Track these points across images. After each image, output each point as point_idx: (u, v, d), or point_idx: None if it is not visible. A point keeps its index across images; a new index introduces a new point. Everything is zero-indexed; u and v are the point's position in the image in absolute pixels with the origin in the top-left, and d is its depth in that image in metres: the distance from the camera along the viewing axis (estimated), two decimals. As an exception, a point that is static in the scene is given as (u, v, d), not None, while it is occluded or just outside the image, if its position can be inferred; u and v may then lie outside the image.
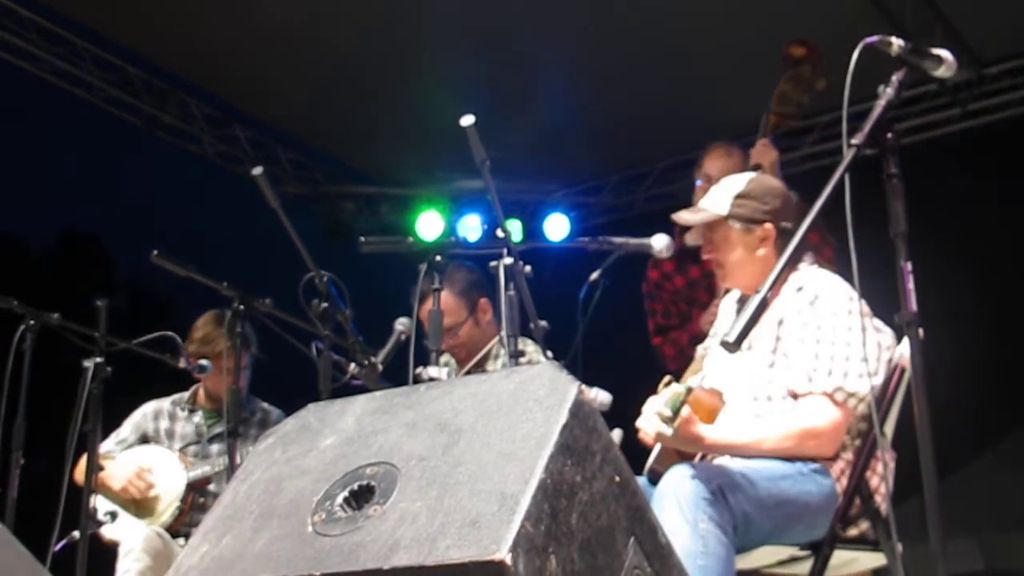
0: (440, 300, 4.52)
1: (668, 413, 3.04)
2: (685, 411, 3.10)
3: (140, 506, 5.09)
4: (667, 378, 3.18)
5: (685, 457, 3.41)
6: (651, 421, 3.17)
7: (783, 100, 5.06)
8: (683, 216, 3.80)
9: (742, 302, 3.82)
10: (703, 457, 3.47)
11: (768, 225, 3.64)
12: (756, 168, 4.85)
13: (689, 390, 3.08)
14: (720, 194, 3.73)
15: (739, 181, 3.76)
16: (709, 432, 3.26)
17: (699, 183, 5.14)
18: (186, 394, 5.49)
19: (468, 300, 4.80)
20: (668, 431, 3.07)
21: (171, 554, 4.71)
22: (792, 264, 3.27)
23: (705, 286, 5.07)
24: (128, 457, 5.23)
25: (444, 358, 4.87)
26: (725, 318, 3.94)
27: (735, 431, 3.35)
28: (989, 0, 6.95)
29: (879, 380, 3.41)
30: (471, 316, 4.81)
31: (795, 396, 3.43)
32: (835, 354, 3.36)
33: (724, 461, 3.43)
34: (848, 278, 3.33)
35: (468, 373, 4.80)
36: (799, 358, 3.42)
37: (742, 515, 3.10)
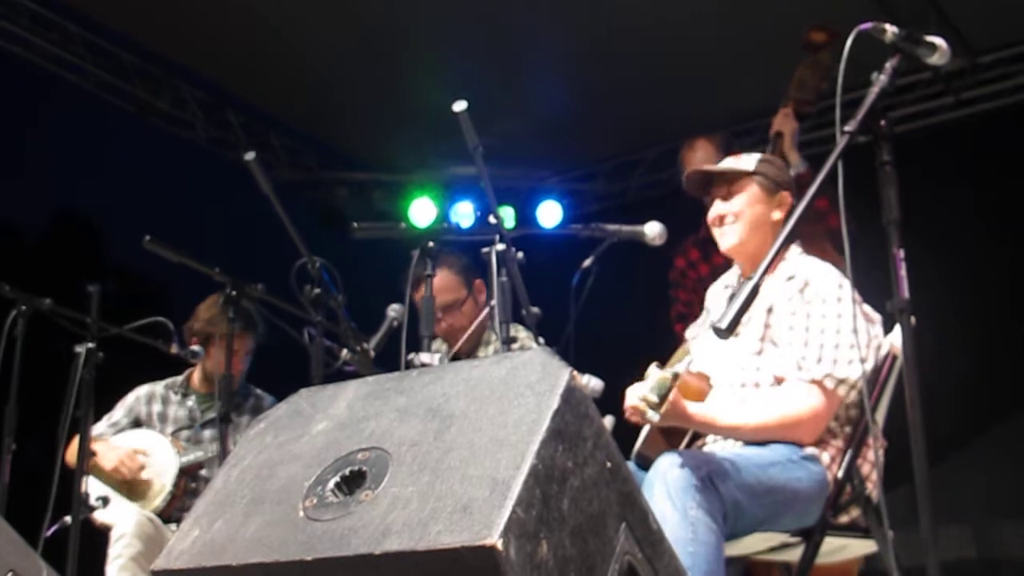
0: (439, 279, 4.56)
1: (654, 399, 3.06)
2: (671, 396, 3.12)
3: (132, 489, 5.09)
4: (653, 365, 3.19)
5: (672, 442, 3.42)
6: (636, 406, 3.18)
7: (801, 86, 5.00)
8: (708, 166, 3.83)
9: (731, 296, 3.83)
10: (690, 444, 3.48)
11: (786, 193, 3.69)
12: (778, 136, 4.86)
13: (676, 376, 3.08)
14: (743, 159, 3.78)
15: (759, 155, 3.83)
16: (695, 411, 3.28)
17: None
18: (180, 378, 5.50)
19: (466, 279, 4.82)
20: (655, 417, 3.08)
21: (163, 539, 4.71)
22: (784, 247, 3.28)
23: None
24: (120, 440, 5.23)
25: (436, 344, 4.88)
26: (715, 306, 3.95)
27: (719, 414, 3.36)
28: (983, -12, 6.97)
29: (869, 366, 3.42)
30: (470, 295, 4.83)
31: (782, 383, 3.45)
32: (825, 342, 3.37)
33: (714, 448, 3.44)
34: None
35: (456, 358, 4.80)
36: (789, 346, 3.43)
37: (732, 502, 3.10)
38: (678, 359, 3.87)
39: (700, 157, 5.18)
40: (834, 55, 4.96)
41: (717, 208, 3.74)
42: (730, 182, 3.74)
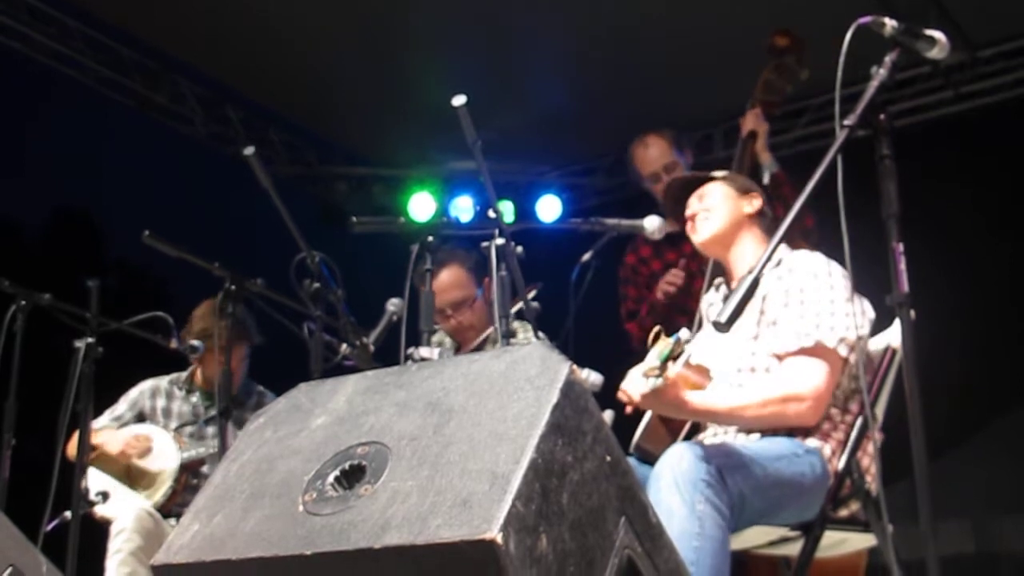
0: (450, 276, 4.56)
1: (656, 363, 3.02)
2: (672, 370, 3.09)
3: (134, 479, 5.09)
4: (656, 328, 3.15)
5: (672, 434, 3.41)
6: (637, 383, 3.16)
7: (769, 88, 5.09)
8: (682, 174, 3.89)
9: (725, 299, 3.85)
10: (689, 435, 3.48)
11: (756, 193, 3.79)
12: (751, 136, 4.89)
13: (678, 341, 3.05)
14: (712, 173, 3.87)
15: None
16: (693, 397, 3.27)
17: (650, 184, 5.22)
18: (184, 374, 5.50)
19: (477, 277, 4.82)
20: (657, 382, 3.05)
21: (163, 534, 4.72)
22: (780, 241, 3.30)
23: (681, 270, 5.08)
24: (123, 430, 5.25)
25: (436, 337, 4.87)
26: (711, 307, 3.96)
27: (718, 397, 3.36)
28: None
29: (865, 331, 3.43)
30: (480, 294, 4.83)
31: (782, 360, 3.45)
32: (820, 310, 3.40)
33: (722, 439, 3.44)
34: (830, 248, 3.38)
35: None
36: (786, 321, 3.44)
37: (738, 495, 3.10)
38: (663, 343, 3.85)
39: (653, 153, 5.22)
40: (797, 59, 5.04)
41: (691, 208, 3.81)
42: (702, 185, 3.83)
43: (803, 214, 4.19)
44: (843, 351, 3.39)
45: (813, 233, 4.29)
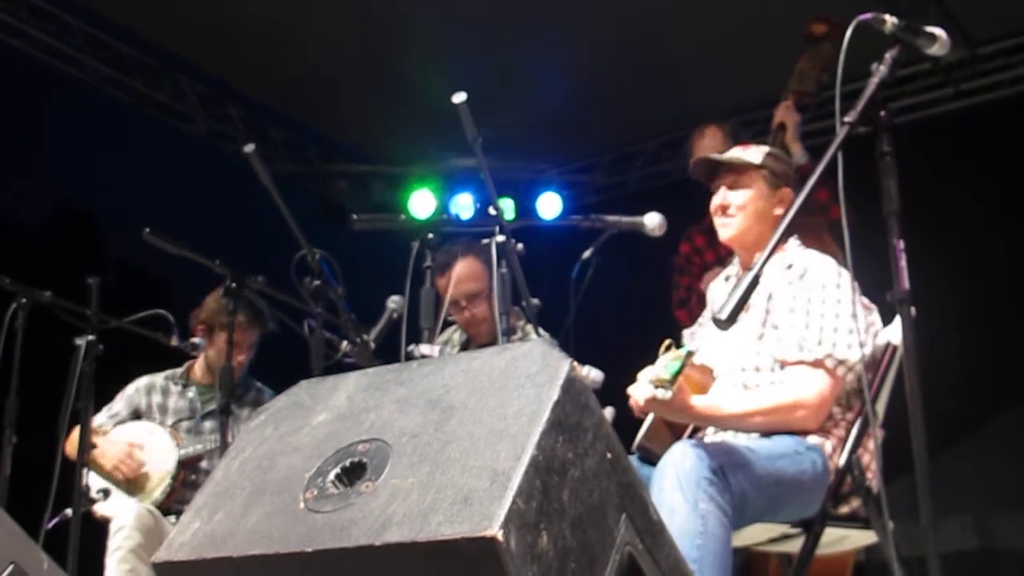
0: (466, 268, 4.56)
1: (667, 376, 3.03)
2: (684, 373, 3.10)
3: (131, 483, 5.08)
4: (667, 342, 3.16)
5: (675, 434, 3.41)
6: (645, 388, 3.16)
7: (802, 78, 5.02)
8: (716, 155, 3.85)
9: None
10: (693, 434, 3.48)
11: (787, 190, 3.70)
12: (780, 128, 4.87)
13: (689, 353, 3.06)
14: (751, 151, 3.79)
15: (766, 148, 3.86)
16: (698, 402, 3.27)
17: None
18: (180, 370, 5.48)
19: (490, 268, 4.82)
20: (667, 395, 3.05)
21: (162, 531, 4.71)
22: (784, 239, 3.29)
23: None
24: (120, 434, 5.22)
25: (444, 335, 4.87)
26: (717, 299, 3.95)
27: (723, 402, 3.35)
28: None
29: (867, 351, 3.43)
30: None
31: (784, 366, 3.45)
32: (824, 325, 3.39)
33: (724, 438, 3.44)
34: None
35: (465, 349, 4.81)
36: (789, 328, 3.44)
37: (740, 493, 3.10)
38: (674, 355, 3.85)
39: (708, 143, 5.19)
40: (835, 47, 4.97)
41: (722, 197, 3.75)
42: (736, 172, 3.75)
43: (828, 206, 4.20)
44: (841, 372, 3.39)
45: (839, 225, 4.27)
